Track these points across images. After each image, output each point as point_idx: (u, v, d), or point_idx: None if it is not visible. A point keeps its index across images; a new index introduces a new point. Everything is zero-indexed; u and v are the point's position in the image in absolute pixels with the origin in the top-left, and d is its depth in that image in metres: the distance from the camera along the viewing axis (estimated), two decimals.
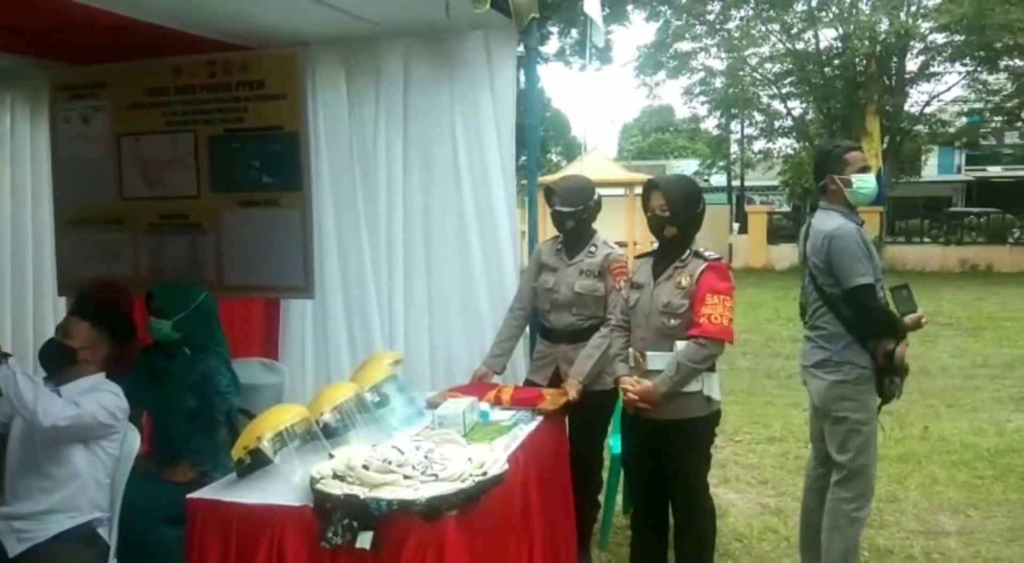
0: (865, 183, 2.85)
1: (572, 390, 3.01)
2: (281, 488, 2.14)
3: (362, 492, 1.99)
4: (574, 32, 19.89)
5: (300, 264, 3.66)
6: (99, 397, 2.50)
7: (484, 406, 2.84)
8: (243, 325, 3.88)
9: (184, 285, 3.15)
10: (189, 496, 2.20)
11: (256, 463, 2.20)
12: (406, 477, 2.06)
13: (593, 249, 3.18)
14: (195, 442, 2.85)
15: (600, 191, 3.33)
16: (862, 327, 2.79)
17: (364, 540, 1.94)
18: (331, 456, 2.20)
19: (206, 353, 2.92)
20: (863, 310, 2.77)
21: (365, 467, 2.07)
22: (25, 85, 4.19)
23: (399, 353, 3.16)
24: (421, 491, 1.99)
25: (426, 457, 2.18)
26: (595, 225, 3.26)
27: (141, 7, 3.01)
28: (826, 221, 2.86)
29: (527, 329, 3.45)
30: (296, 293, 3.74)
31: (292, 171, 3.62)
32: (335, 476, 2.08)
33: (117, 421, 2.52)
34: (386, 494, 1.99)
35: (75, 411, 2.41)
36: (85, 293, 3.38)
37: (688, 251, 2.73)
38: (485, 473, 2.11)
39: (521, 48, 3.66)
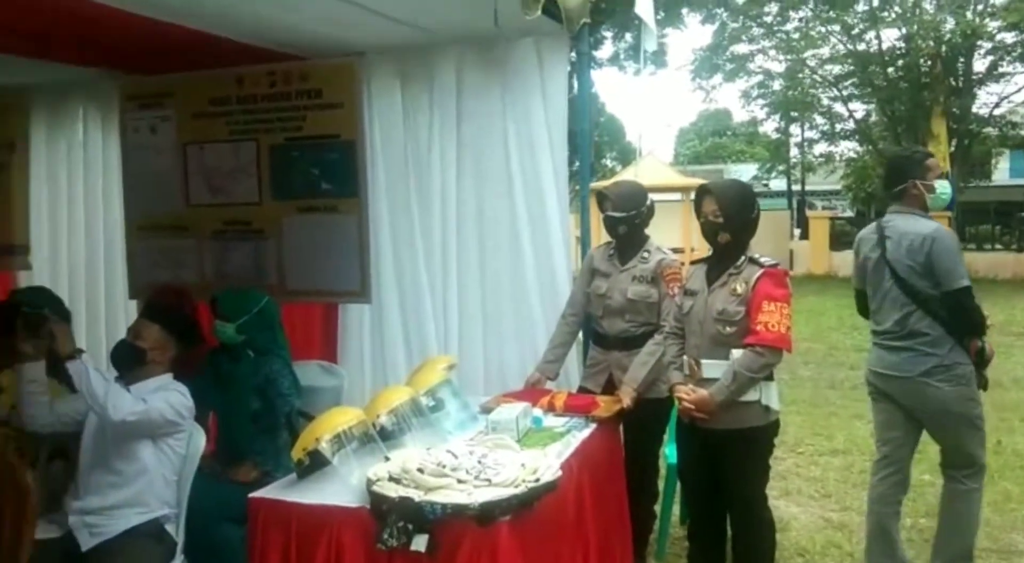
0: (945, 188, 2.93)
1: (626, 398, 2.98)
2: (339, 489, 2.18)
3: (417, 495, 2.01)
4: (628, 36, 19.73)
5: (357, 269, 3.72)
6: (166, 395, 2.59)
7: (537, 412, 2.83)
8: (303, 329, 3.96)
9: (247, 290, 3.23)
10: (251, 495, 2.26)
11: (315, 464, 2.25)
12: (460, 481, 2.07)
13: (646, 255, 3.15)
14: (258, 443, 2.93)
15: (656, 196, 3.31)
16: (960, 327, 2.80)
17: (419, 543, 1.96)
18: (387, 458, 2.23)
19: (269, 356, 3.00)
20: (963, 311, 2.79)
21: (420, 470, 2.09)
22: (97, 95, 4.36)
23: (453, 357, 3.18)
24: (474, 496, 2.00)
25: (479, 462, 2.19)
26: (651, 231, 3.24)
27: (206, 21, 3.12)
28: (916, 224, 2.88)
29: (580, 335, 3.43)
30: (353, 298, 3.81)
31: (349, 178, 3.68)
32: (391, 478, 2.10)
33: (183, 419, 2.60)
34: (440, 498, 2.00)
35: (143, 407, 2.50)
36: (153, 298, 3.51)
37: (743, 257, 2.68)
38: (538, 479, 2.10)
39: (574, 54, 3.66)
